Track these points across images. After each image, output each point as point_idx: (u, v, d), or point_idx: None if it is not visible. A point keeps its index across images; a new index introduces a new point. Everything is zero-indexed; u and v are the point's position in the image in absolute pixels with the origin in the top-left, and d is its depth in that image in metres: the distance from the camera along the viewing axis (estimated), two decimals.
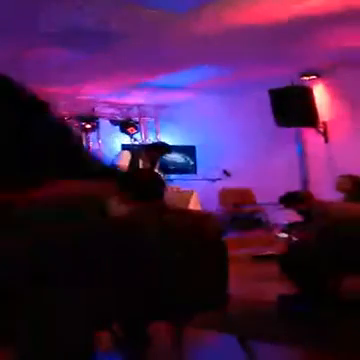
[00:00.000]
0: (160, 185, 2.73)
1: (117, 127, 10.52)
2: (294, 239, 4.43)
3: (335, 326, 3.41)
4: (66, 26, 5.90)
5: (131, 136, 10.64)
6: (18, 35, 6.11)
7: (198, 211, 5.90)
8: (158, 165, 7.18)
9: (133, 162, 6.93)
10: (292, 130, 8.66)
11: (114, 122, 10.56)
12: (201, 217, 2.83)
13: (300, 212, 4.29)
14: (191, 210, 5.65)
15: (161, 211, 2.61)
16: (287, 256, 4.06)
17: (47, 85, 8.50)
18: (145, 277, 2.41)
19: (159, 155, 7.15)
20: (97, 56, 7.08)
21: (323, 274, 3.84)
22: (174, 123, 10.69)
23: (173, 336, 3.10)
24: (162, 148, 7.26)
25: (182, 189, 6.96)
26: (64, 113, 10.15)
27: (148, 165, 6.93)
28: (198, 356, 3.30)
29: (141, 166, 6.93)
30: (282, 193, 4.37)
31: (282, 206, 4.36)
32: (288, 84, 8.03)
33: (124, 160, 6.95)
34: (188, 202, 6.81)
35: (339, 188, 4.57)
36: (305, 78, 8.52)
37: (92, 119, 10.22)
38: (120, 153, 7.29)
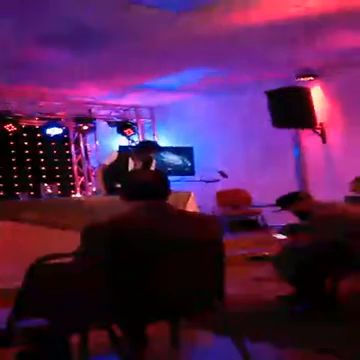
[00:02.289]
0: (164, 185, 2.68)
1: (114, 128, 10.53)
2: (288, 240, 4.43)
3: (333, 326, 3.41)
4: (62, 27, 5.90)
5: (128, 137, 10.66)
6: (15, 35, 6.11)
7: (197, 212, 5.91)
8: (154, 165, 7.10)
9: (120, 163, 6.85)
10: (289, 131, 8.67)
11: (111, 123, 10.57)
12: (202, 218, 2.83)
13: (297, 213, 4.28)
14: (191, 211, 5.66)
15: (163, 211, 2.60)
16: (281, 257, 4.07)
17: (44, 86, 8.53)
18: (144, 277, 2.40)
19: (150, 155, 7.02)
20: (94, 57, 7.08)
21: (320, 275, 3.85)
22: (171, 124, 10.70)
23: (171, 336, 3.11)
24: (151, 148, 7.13)
25: (179, 190, 6.94)
26: (61, 114, 10.18)
27: (140, 165, 6.86)
28: (195, 357, 3.30)
29: (132, 167, 6.86)
30: (279, 194, 4.37)
31: (279, 208, 4.34)
32: (285, 85, 8.05)
33: (109, 160, 6.90)
34: (185, 203, 6.80)
35: (356, 189, 4.54)
36: (302, 79, 8.54)
37: (89, 120, 10.23)
38: (109, 153, 7.22)
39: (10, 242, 5.18)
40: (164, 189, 2.66)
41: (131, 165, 6.87)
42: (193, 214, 3.76)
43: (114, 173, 6.62)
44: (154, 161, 7.07)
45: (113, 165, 6.79)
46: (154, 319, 2.55)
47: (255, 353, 2.75)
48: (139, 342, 2.62)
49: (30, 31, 6.00)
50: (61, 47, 6.63)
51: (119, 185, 6.82)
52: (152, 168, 6.92)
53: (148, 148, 7.04)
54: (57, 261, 2.67)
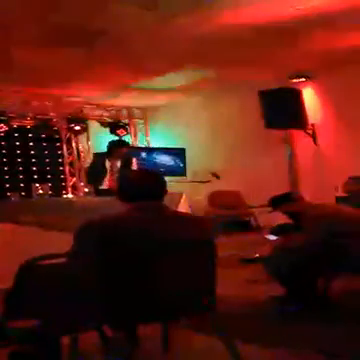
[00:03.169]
0: (160, 186, 2.69)
1: (107, 129, 10.52)
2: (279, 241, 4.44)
3: (325, 326, 3.42)
4: (55, 26, 5.87)
5: (120, 138, 10.65)
6: (5, 35, 6.07)
7: (190, 213, 5.92)
8: (135, 164, 7.18)
9: (98, 164, 6.94)
10: (281, 132, 8.69)
11: (103, 124, 10.55)
12: (194, 219, 2.84)
13: (289, 214, 4.29)
14: (184, 212, 5.66)
15: (158, 211, 2.60)
16: (272, 257, 4.07)
17: (36, 86, 8.50)
18: (136, 277, 2.40)
19: (122, 154, 7.09)
20: (86, 57, 7.06)
21: (312, 275, 3.86)
22: (163, 125, 10.70)
23: (163, 338, 3.10)
24: (119, 146, 7.21)
25: (171, 191, 6.93)
26: (53, 114, 10.15)
27: (116, 166, 6.94)
28: (186, 358, 3.27)
29: (108, 167, 6.94)
30: (271, 195, 4.38)
31: (271, 209, 4.35)
32: (277, 86, 8.07)
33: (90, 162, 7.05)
34: (178, 204, 6.80)
35: (345, 189, 4.56)
36: (294, 80, 8.57)
37: (81, 121, 10.20)
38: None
39: (8, 243, 5.17)
40: (160, 190, 2.67)
41: (108, 166, 6.92)
42: (186, 215, 3.77)
43: (93, 175, 6.71)
44: (134, 159, 7.13)
45: (92, 167, 6.88)
46: (145, 319, 2.55)
47: (246, 354, 2.75)
48: (130, 342, 2.61)
49: (24, 30, 5.97)
50: (52, 47, 6.60)
51: (102, 187, 6.95)
52: (134, 167, 6.99)
53: (116, 147, 7.13)
54: (49, 262, 2.66)
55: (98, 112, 10.61)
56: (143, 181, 2.67)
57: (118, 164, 6.94)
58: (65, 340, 2.64)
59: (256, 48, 7.02)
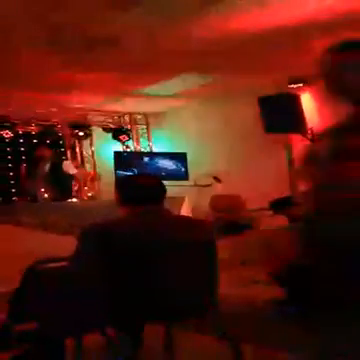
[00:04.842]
0: (159, 190, 2.72)
1: (109, 134, 10.61)
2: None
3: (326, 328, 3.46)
4: (57, 31, 5.94)
5: (123, 143, 10.75)
6: (9, 40, 6.15)
7: (191, 217, 5.97)
8: (46, 167, 7.46)
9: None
10: (281, 137, 8.75)
11: (106, 129, 10.65)
12: (195, 222, 2.91)
13: (290, 217, 4.33)
14: (185, 216, 5.70)
15: (158, 215, 2.65)
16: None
17: (40, 92, 8.58)
18: (136, 279, 2.45)
19: (44, 156, 7.46)
20: (88, 63, 7.14)
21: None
22: (165, 130, 10.78)
23: (165, 338, 3.16)
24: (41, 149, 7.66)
25: (173, 195, 6.99)
26: (56, 120, 10.26)
27: (45, 170, 7.28)
28: (188, 358, 3.31)
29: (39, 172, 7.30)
30: (272, 199, 4.44)
31: (272, 212, 4.40)
32: (276, 91, 8.15)
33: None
34: (179, 208, 6.86)
35: None
36: (293, 86, 8.65)
37: (85, 126, 10.31)
38: None
39: (11, 245, 5.24)
40: (159, 193, 2.70)
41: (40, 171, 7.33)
42: (187, 218, 3.82)
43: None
44: (47, 165, 7.47)
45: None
46: (148, 320, 2.60)
47: (247, 354, 2.79)
48: (133, 343, 2.66)
49: (25, 35, 6.03)
50: (55, 52, 6.66)
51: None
52: (45, 169, 7.33)
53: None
54: (53, 265, 2.73)
55: (101, 118, 10.71)
56: (142, 185, 2.70)
57: (46, 169, 7.22)
58: (68, 341, 2.66)
59: (256, 54, 7.09)
